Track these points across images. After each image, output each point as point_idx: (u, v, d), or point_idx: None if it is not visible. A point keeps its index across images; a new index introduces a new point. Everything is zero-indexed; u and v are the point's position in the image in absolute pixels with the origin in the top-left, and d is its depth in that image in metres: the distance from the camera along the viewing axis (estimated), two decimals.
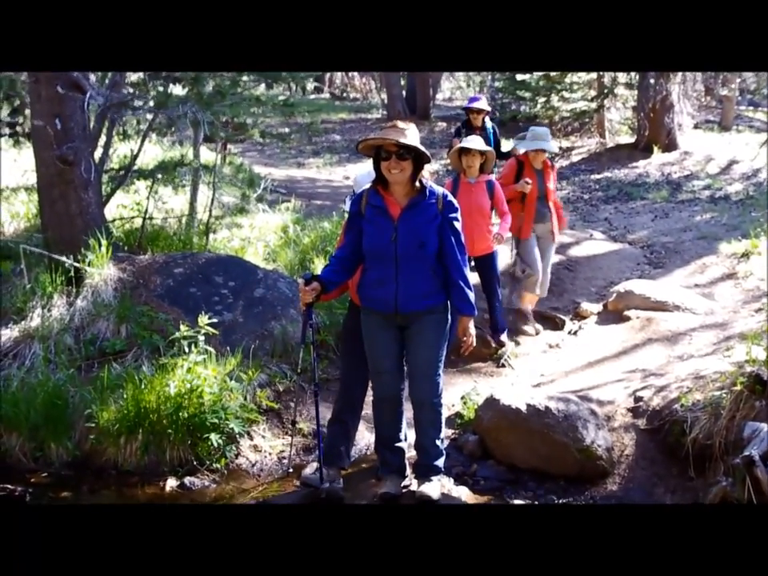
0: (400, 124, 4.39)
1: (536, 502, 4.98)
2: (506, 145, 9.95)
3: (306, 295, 4.49)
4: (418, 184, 4.43)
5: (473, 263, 6.97)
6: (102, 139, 8.40)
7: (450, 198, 4.52)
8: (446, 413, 6.13)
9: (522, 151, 7.38)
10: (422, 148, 4.34)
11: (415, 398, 4.64)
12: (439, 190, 4.53)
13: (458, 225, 4.51)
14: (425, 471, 4.70)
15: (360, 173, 5.13)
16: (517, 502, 4.99)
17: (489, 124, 9.02)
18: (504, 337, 7.29)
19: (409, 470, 4.95)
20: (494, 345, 7.19)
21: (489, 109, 9.17)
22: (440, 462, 4.73)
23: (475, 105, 8.78)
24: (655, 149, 16.13)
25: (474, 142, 6.93)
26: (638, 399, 5.82)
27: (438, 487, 4.65)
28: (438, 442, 4.69)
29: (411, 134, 4.34)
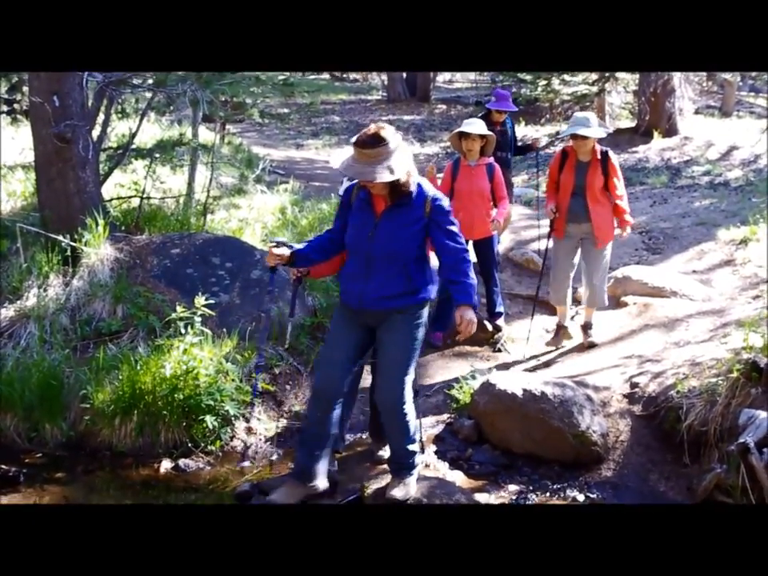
0: (366, 149, 3.96)
1: (530, 487, 5.00)
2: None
3: (270, 258, 4.38)
4: (405, 185, 4.13)
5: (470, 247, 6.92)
6: (101, 117, 8.35)
7: (440, 201, 4.25)
8: (440, 397, 6.17)
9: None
10: (392, 169, 3.98)
11: (379, 401, 4.41)
12: (430, 191, 4.25)
13: (452, 227, 4.25)
14: (396, 469, 4.57)
15: None
16: (511, 487, 5.01)
17: (508, 120, 8.53)
18: (501, 321, 7.25)
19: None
20: (490, 329, 7.17)
21: (515, 109, 8.66)
22: (413, 460, 4.56)
23: (504, 108, 8.17)
24: (655, 134, 16.06)
25: (474, 125, 6.83)
26: (633, 385, 5.82)
27: (408, 489, 4.48)
28: (410, 446, 4.47)
29: (383, 153, 3.97)
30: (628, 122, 18.04)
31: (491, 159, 7.02)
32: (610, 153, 6.61)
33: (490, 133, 6.90)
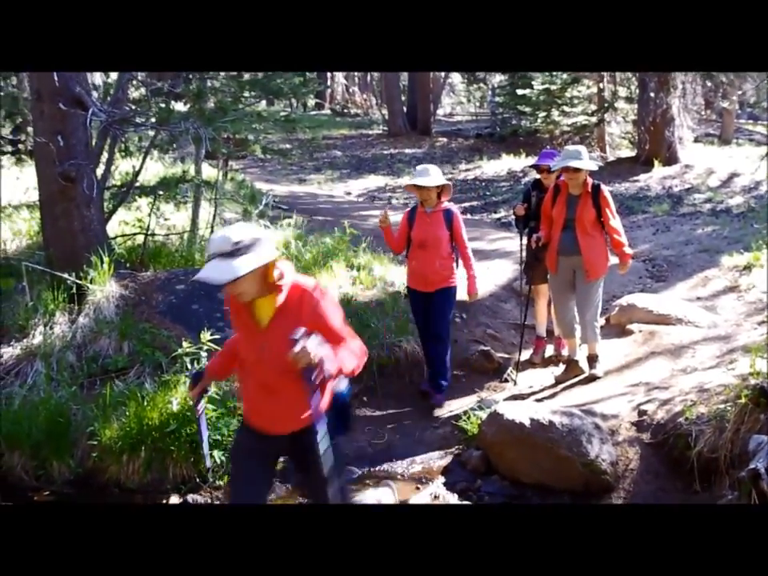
0: None
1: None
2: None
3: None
4: None
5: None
6: (104, 156, 8.42)
7: None
8: (448, 429, 6.15)
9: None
10: None
11: None
12: None
13: None
14: None
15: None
16: None
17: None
18: (440, 400, 6.66)
19: None
20: (432, 402, 6.65)
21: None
22: None
23: (544, 163, 7.07)
24: (656, 162, 16.17)
25: (428, 177, 6.38)
26: (642, 413, 5.79)
27: None
28: None
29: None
30: (628, 152, 18.15)
31: (449, 205, 6.58)
32: (602, 186, 6.55)
33: (446, 182, 6.50)
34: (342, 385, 3.59)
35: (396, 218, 7.01)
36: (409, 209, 6.76)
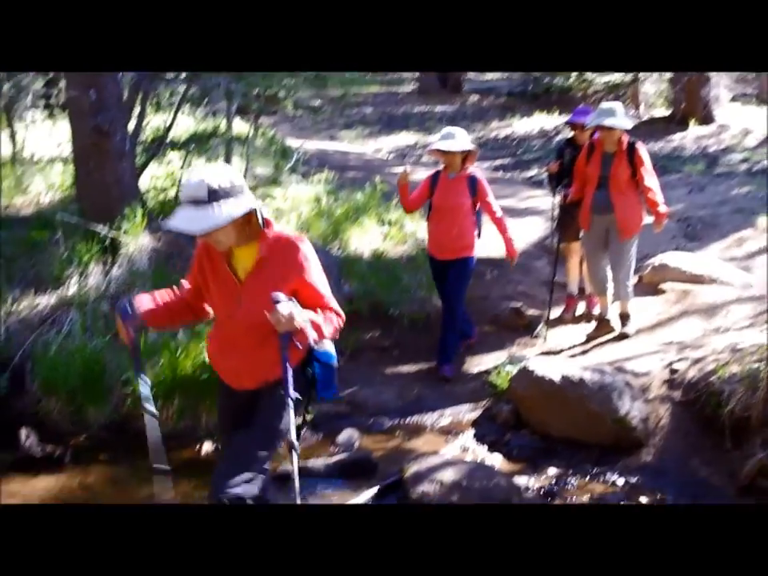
0: None
1: (570, 471, 4.99)
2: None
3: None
4: None
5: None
6: (136, 110, 8.43)
7: None
8: (478, 383, 6.17)
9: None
10: None
11: None
12: None
13: None
14: None
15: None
16: (551, 470, 5.00)
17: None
18: (449, 371, 6.47)
19: None
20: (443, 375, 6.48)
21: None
22: None
23: (582, 120, 6.91)
24: (691, 122, 15.87)
25: (452, 141, 6.23)
26: (673, 371, 5.77)
27: None
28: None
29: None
30: (663, 111, 17.84)
31: (474, 170, 6.42)
32: (638, 144, 6.42)
33: (470, 148, 6.34)
34: (328, 347, 3.38)
35: (419, 176, 6.95)
36: (432, 172, 6.60)
